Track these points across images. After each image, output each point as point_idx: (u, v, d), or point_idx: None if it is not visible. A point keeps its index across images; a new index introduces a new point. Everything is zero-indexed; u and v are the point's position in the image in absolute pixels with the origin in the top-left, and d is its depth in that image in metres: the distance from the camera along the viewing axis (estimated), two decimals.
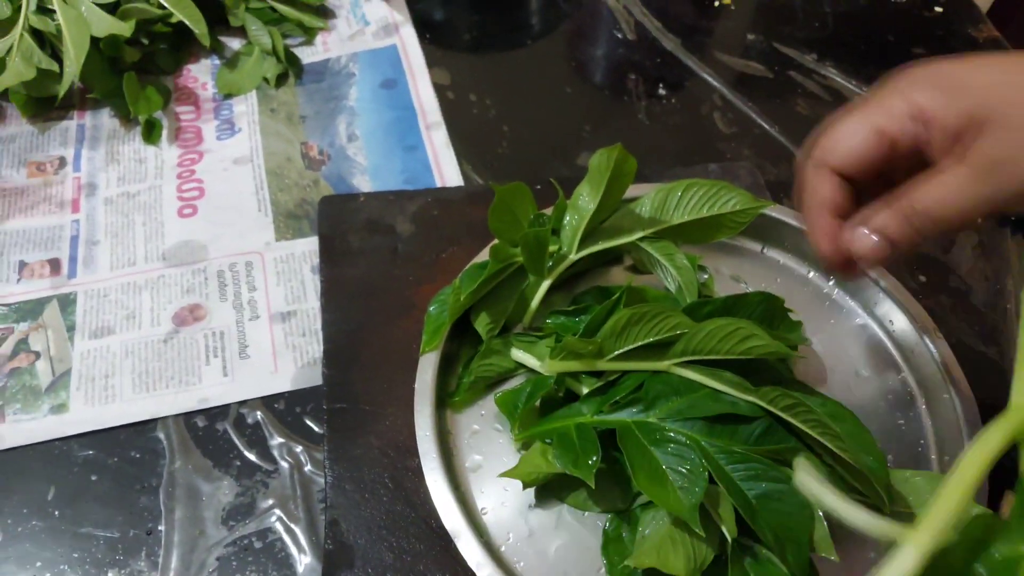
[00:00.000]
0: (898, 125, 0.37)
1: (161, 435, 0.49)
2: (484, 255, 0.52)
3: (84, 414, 0.49)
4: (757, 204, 0.51)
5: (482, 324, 0.49)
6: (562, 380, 0.47)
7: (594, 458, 0.42)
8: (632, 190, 0.54)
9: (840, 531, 0.42)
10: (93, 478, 0.47)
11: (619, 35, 0.76)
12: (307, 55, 0.70)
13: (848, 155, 0.38)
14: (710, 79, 0.73)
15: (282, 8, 0.71)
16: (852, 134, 0.38)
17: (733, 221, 0.52)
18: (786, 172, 0.65)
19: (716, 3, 0.81)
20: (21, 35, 0.62)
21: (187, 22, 0.66)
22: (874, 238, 0.38)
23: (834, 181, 0.39)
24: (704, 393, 0.44)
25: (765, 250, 0.57)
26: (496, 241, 0.50)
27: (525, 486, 0.45)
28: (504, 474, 0.45)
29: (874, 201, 0.39)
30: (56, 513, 0.46)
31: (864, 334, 0.53)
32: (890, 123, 0.37)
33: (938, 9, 0.81)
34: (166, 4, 0.66)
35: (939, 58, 0.38)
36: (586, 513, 0.46)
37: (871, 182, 0.40)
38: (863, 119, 0.38)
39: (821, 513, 0.42)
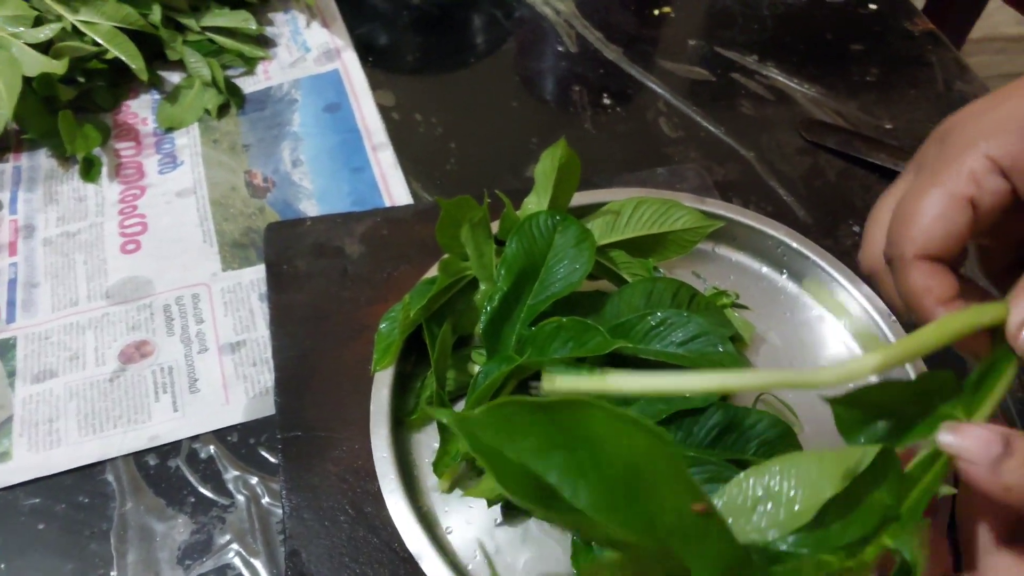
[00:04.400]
0: (984, 187, 0.32)
1: (111, 477, 0.47)
2: (432, 272, 0.51)
3: (28, 461, 0.47)
4: (706, 224, 0.52)
5: (432, 340, 0.48)
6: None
7: None
8: (582, 197, 0.54)
9: None
10: (40, 527, 0.45)
11: (561, 48, 0.77)
12: (249, 84, 0.70)
13: (941, 238, 0.33)
14: (654, 86, 0.73)
15: (221, 40, 0.71)
16: (936, 212, 0.33)
17: (683, 240, 0.53)
18: (733, 172, 0.66)
19: (656, 12, 0.81)
20: None
21: (123, 58, 0.65)
22: None
23: (938, 271, 0.33)
24: (655, 396, 0.43)
25: (716, 248, 0.57)
26: (446, 256, 0.50)
27: (490, 504, 0.44)
28: (468, 493, 0.45)
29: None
30: (2, 566, 0.44)
31: (821, 326, 0.53)
32: (969, 187, 0.32)
33: (872, 6, 0.82)
34: (100, 41, 0.65)
35: (975, 103, 0.35)
36: (555, 527, 0.45)
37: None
38: (938, 193, 0.33)
39: None
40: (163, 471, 0.47)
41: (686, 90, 0.73)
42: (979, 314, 0.31)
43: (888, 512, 0.29)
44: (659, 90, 0.72)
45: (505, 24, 0.79)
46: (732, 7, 0.82)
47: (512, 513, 0.45)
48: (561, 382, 0.29)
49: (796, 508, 0.30)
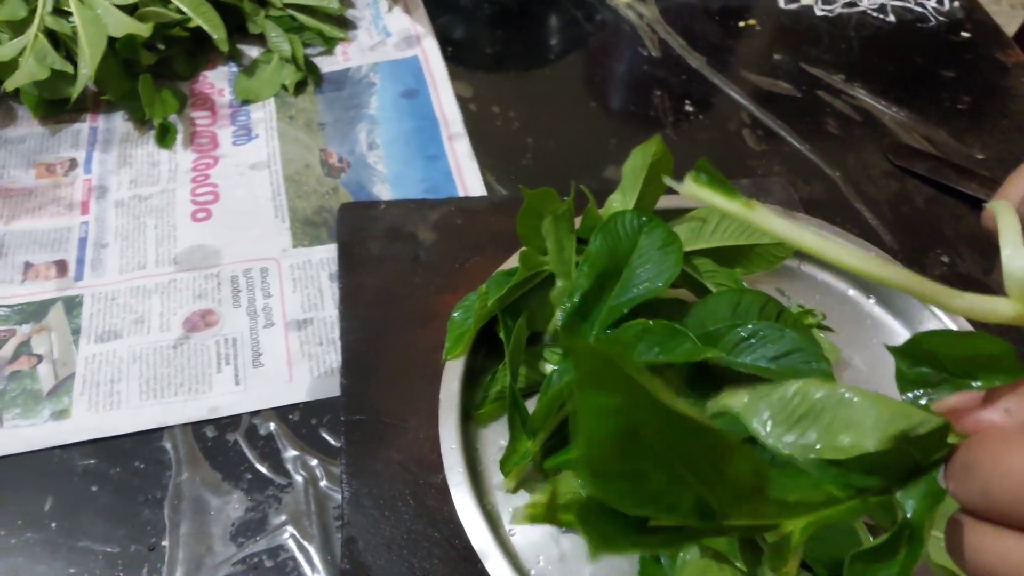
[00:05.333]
0: None
1: (168, 445, 0.46)
2: (510, 263, 0.50)
3: (87, 421, 0.46)
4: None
5: (507, 333, 0.46)
6: None
7: None
8: (667, 201, 0.52)
9: None
10: (94, 489, 0.44)
11: (643, 52, 0.75)
12: (327, 64, 0.69)
13: None
14: (738, 97, 0.71)
15: (302, 18, 0.70)
16: None
17: (770, 254, 0.51)
18: (818, 190, 0.63)
19: (741, 24, 0.79)
20: (36, 35, 0.60)
21: (206, 27, 0.64)
22: None
23: None
24: None
25: (802, 266, 0.55)
26: (525, 248, 0.48)
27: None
28: (538, 494, 0.43)
29: None
30: (53, 525, 0.43)
31: None
32: None
33: (965, 34, 0.80)
34: (185, 9, 0.64)
35: None
36: None
37: None
38: None
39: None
40: (221, 444, 0.46)
41: (770, 103, 0.71)
42: None
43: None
44: (743, 101, 0.71)
45: (586, 25, 0.78)
46: (818, 25, 0.80)
47: None
48: (699, 191, 0.27)
49: (832, 442, 0.27)
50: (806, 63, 0.75)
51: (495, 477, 0.44)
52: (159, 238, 0.55)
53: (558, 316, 0.46)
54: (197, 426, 0.47)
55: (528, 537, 0.42)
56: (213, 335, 0.50)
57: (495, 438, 0.46)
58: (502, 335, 0.46)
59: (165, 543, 0.43)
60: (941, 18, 0.81)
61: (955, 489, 0.26)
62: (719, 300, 0.47)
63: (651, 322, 0.43)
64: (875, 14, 0.81)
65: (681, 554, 0.40)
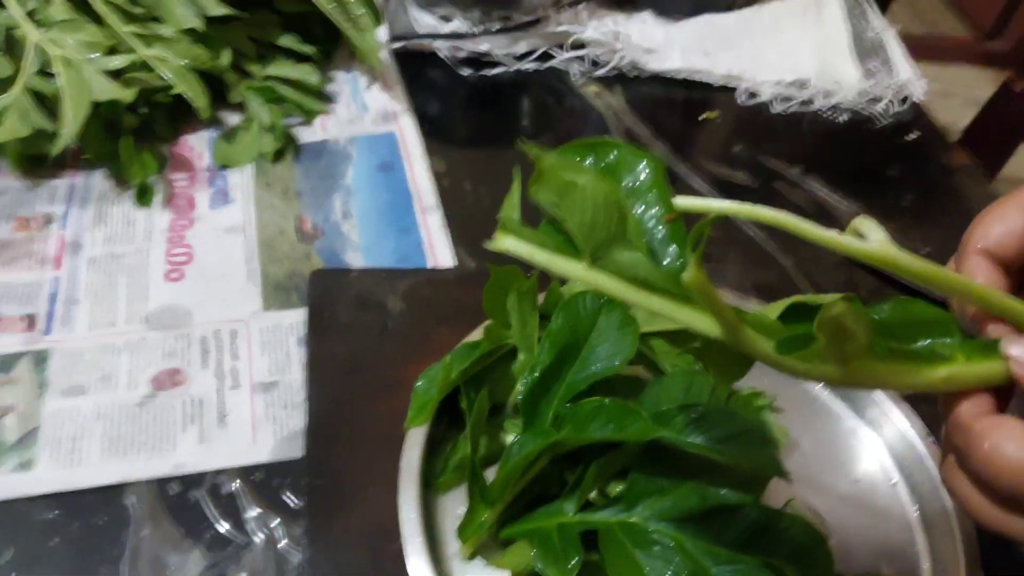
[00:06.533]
0: None
1: (130, 501, 0.46)
2: (474, 335, 0.52)
3: (50, 474, 0.47)
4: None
5: (469, 404, 0.48)
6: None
7: (575, 561, 0.41)
8: None
9: None
10: (54, 542, 0.44)
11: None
12: (306, 135, 0.71)
13: (997, 235, 0.37)
14: (698, 185, 0.75)
15: (283, 89, 0.72)
16: (1001, 214, 0.37)
17: None
18: (770, 276, 0.67)
19: (702, 117, 0.84)
20: (20, 94, 0.62)
21: (188, 96, 0.66)
22: None
23: (989, 267, 0.37)
24: (688, 488, 0.43)
25: None
26: (489, 322, 0.50)
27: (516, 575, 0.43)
28: (494, 562, 0.44)
29: None
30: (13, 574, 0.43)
31: (854, 439, 0.53)
32: None
33: (912, 136, 0.85)
34: (169, 76, 0.66)
35: None
36: None
37: None
38: (1007, 201, 0.37)
39: None
40: (184, 501, 0.47)
41: (729, 193, 0.74)
42: (1012, 306, 0.34)
43: None
44: (703, 189, 0.74)
45: (556, 110, 0.82)
46: (774, 120, 0.84)
47: None
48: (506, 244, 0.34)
49: None
50: (763, 156, 0.79)
51: (452, 545, 0.45)
52: (131, 296, 0.56)
53: (519, 388, 0.48)
54: (161, 482, 0.47)
55: None
56: (180, 394, 0.51)
57: (454, 507, 0.47)
58: (464, 406, 0.47)
59: None
60: (889, 120, 0.86)
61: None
62: (672, 381, 0.49)
63: (607, 400, 0.45)
64: (828, 113, 0.86)
65: None
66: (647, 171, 0.36)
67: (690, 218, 0.35)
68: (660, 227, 0.36)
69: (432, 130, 0.75)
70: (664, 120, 0.82)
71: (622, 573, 0.40)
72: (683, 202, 0.36)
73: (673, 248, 0.36)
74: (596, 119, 0.81)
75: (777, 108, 0.86)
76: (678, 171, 0.76)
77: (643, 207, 0.36)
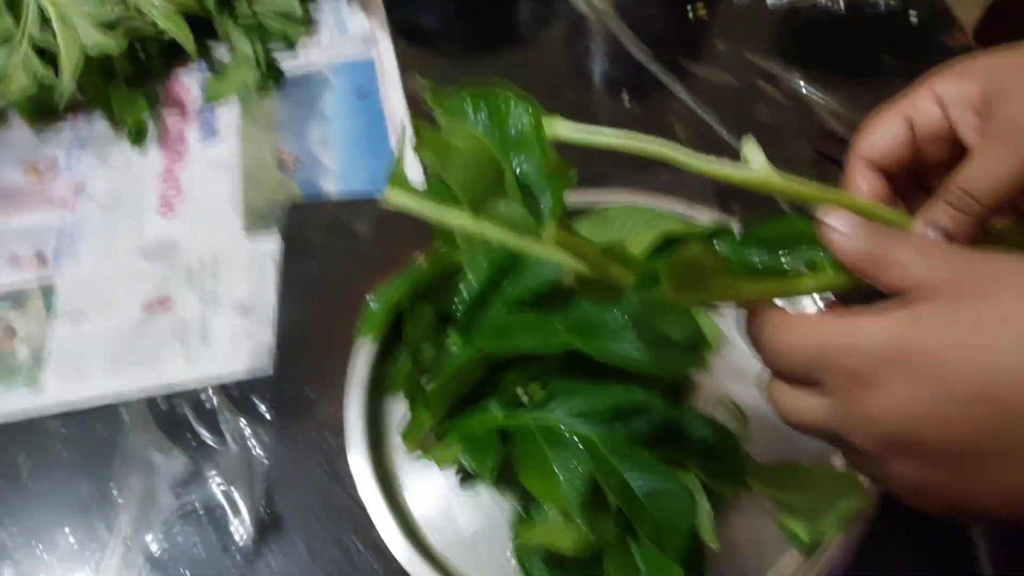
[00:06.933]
0: (921, 111, 0.39)
1: (123, 412, 0.54)
2: None
3: (57, 393, 0.54)
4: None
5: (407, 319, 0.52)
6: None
7: (495, 460, 0.45)
8: (578, 196, 0.58)
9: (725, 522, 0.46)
10: (64, 454, 0.52)
11: (593, 46, 0.79)
12: (289, 65, 0.75)
13: (881, 146, 0.39)
14: (677, 89, 0.75)
15: (267, 20, 0.76)
16: (883, 125, 0.39)
17: None
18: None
19: (691, 13, 0.83)
20: (23, 48, 0.67)
21: (177, 38, 0.70)
22: (930, 233, 0.36)
23: (872, 176, 0.40)
24: (604, 390, 0.47)
25: None
26: (437, 243, 0.54)
27: (441, 465, 0.49)
28: (426, 456, 0.49)
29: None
30: (30, 484, 0.51)
31: None
32: (914, 111, 0.39)
33: (913, 19, 0.82)
34: (159, 22, 0.70)
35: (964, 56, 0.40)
36: (505, 496, 0.49)
37: (909, 184, 0.41)
38: (892, 110, 0.40)
39: (708, 504, 0.45)
40: (170, 412, 0.54)
41: (708, 95, 0.75)
42: (880, 209, 0.37)
43: None
44: (681, 95, 0.75)
45: (540, 17, 0.82)
46: (769, 15, 0.83)
47: (468, 482, 0.50)
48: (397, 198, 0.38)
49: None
50: (749, 51, 0.79)
51: (400, 444, 0.51)
52: (128, 231, 0.62)
53: (458, 303, 0.53)
54: (151, 398, 0.54)
55: (421, 495, 0.49)
56: (169, 317, 0.58)
57: (404, 409, 0.52)
58: (407, 324, 0.52)
59: (115, 492, 0.50)
60: (892, 2, 0.84)
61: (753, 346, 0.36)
62: None
63: (530, 315, 0.49)
64: (827, 2, 0.84)
65: (548, 509, 0.47)
66: (528, 121, 0.39)
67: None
68: (540, 174, 0.38)
69: (411, 45, 0.77)
70: (651, 23, 0.82)
71: (532, 469, 0.45)
72: (568, 133, 0.39)
73: (549, 195, 0.38)
74: (581, 24, 0.81)
75: (772, 4, 0.84)
76: (657, 76, 0.76)
77: (524, 157, 0.38)
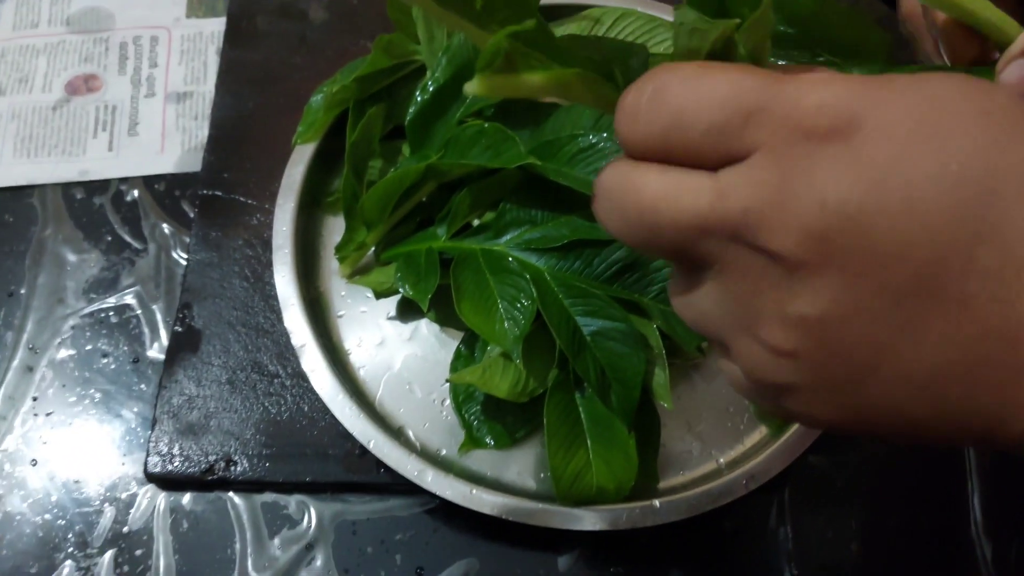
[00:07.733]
0: None
1: (36, 202, 0.48)
2: None
3: None
4: None
5: (353, 120, 0.46)
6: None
7: (432, 284, 0.40)
8: None
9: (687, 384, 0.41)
10: None
11: None
12: None
13: None
14: None
15: None
16: None
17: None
18: None
19: None
20: None
21: None
22: None
23: None
24: (560, 221, 0.41)
25: None
26: (392, 34, 0.47)
27: (377, 296, 0.44)
28: (354, 280, 0.44)
29: None
30: None
31: None
32: None
33: None
34: None
35: None
36: (444, 330, 0.45)
37: None
38: None
39: (665, 359, 0.41)
40: (87, 206, 0.48)
41: None
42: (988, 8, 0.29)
43: None
44: None
45: None
46: None
47: (406, 311, 0.45)
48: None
49: None
50: None
51: (334, 263, 0.46)
52: None
53: (410, 108, 0.46)
54: (67, 187, 0.49)
55: (353, 320, 0.44)
56: (94, 100, 0.51)
57: (343, 227, 0.47)
58: (349, 124, 0.45)
59: (23, 291, 0.46)
60: None
61: (632, 126, 0.22)
62: (582, 110, 0.46)
63: (486, 125, 0.42)
64: None
65: (489, 348, 0.42)
66: None
67: None
68: None
69: None
70: None
71: (472, 300, 0.40)
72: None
73: None
74: None
75: None
76: None
77: None
